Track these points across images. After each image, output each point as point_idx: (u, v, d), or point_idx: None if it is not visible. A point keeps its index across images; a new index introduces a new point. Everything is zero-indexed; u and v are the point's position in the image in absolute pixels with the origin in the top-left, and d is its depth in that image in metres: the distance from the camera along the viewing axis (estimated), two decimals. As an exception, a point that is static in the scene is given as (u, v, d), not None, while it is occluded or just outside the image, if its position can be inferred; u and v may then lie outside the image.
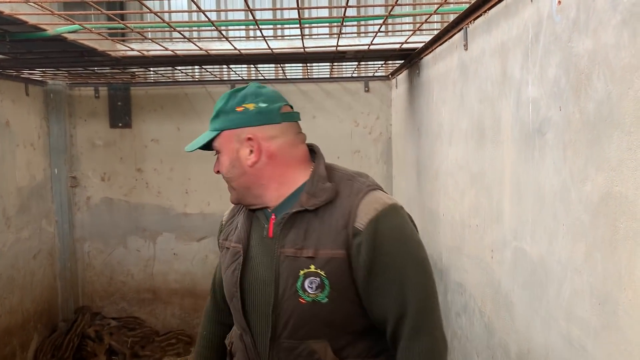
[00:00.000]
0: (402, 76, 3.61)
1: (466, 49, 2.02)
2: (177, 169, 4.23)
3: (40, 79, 3.80)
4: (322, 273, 1.25)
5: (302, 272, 1.26)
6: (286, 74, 4.00)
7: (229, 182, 1.41)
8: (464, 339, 2.18)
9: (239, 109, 1.35)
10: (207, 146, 1.41)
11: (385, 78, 4.17)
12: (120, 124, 4.17)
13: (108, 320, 4.17)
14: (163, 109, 4.18)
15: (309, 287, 1.25)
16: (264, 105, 1.35)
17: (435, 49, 2.54)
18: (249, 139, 1.34)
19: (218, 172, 1.41)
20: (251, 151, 1.34)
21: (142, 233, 4.29)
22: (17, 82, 3.61)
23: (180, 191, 4.25)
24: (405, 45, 2.73)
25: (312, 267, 1.25)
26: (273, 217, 1.34)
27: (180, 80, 4.12)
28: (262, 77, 4.12)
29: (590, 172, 1.12)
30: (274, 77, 4.16)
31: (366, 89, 4.20)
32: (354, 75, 4.11)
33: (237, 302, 1.36)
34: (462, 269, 2.18)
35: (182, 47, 2.75)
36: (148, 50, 2.72)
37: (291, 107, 1.42)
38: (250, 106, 1.35)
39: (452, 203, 2.31)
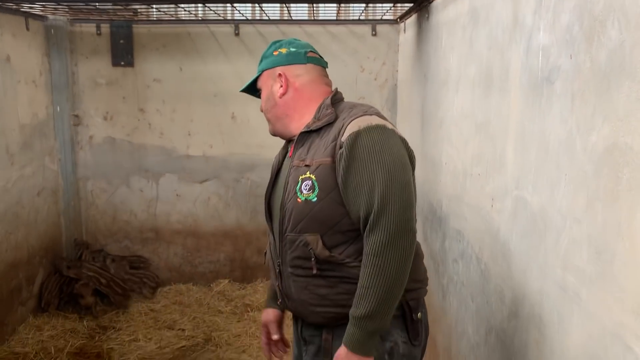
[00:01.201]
0: (411, 20, 3.53)
1: (478, -7, 1.96)
2: (179, 110, 4.20)
3: (41, 13, 3.71)
4: (313, 177, 1.53)
5: (301, 177, 1.55)
6: (291, 15, 3.90)
7: (266, 114, 1.75)
8: (460, 285, 2.22)
9: (275, 53, 1.72)
10: (254, 90, 1.79)
11: (394, 22, 4.07)
12: (122, 63, 4.11)
13: (112, 256, 4.23)
14: (165, 48, 4.11)
15: (304, 188, 1.54)
16: (293, 49, 1.70)
17: (445, -8, 2.46)
18: (280, 75, 1.68)
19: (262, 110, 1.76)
20: (281, 85, 1.68)
21: (145, 173, 4.30)
22: (17, 16, 3.53)
23: (183, 133, 4.24)
24: (415, -12, 2.65)
25: (308, 173, 1.55)
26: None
27: (184, 19, 4.02)
28: (267, 17, 4.02)
29: (597, 122, 1.11)
30: (278, 18, 4.06)
31: (373, 32, 4.10)
32: (361, 18, 4.01)
33: (265, 210, 1.71)
34: (462, 216, 2.19)
35: (186, -16, 2.67)
36: (150, -14, 2.65)
37: (320, 56, 1.75)
38: (283, 50, 1.71)
39: (455, 151, 2.31)
